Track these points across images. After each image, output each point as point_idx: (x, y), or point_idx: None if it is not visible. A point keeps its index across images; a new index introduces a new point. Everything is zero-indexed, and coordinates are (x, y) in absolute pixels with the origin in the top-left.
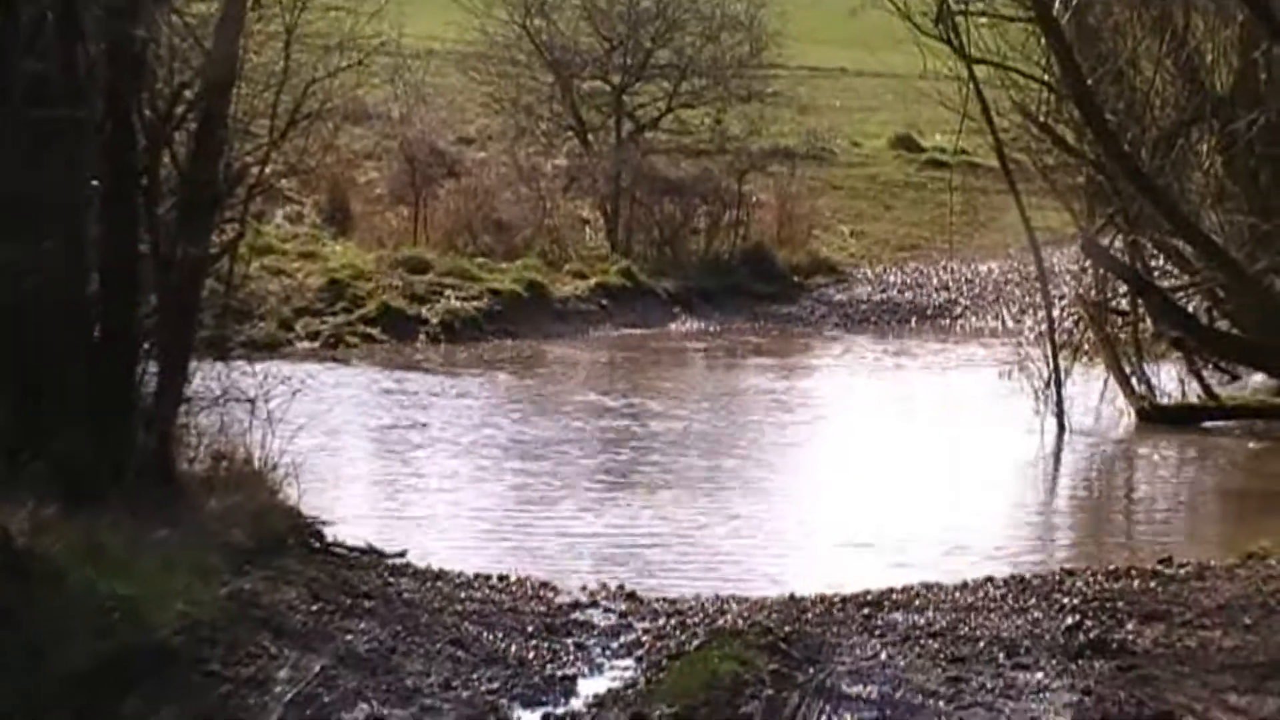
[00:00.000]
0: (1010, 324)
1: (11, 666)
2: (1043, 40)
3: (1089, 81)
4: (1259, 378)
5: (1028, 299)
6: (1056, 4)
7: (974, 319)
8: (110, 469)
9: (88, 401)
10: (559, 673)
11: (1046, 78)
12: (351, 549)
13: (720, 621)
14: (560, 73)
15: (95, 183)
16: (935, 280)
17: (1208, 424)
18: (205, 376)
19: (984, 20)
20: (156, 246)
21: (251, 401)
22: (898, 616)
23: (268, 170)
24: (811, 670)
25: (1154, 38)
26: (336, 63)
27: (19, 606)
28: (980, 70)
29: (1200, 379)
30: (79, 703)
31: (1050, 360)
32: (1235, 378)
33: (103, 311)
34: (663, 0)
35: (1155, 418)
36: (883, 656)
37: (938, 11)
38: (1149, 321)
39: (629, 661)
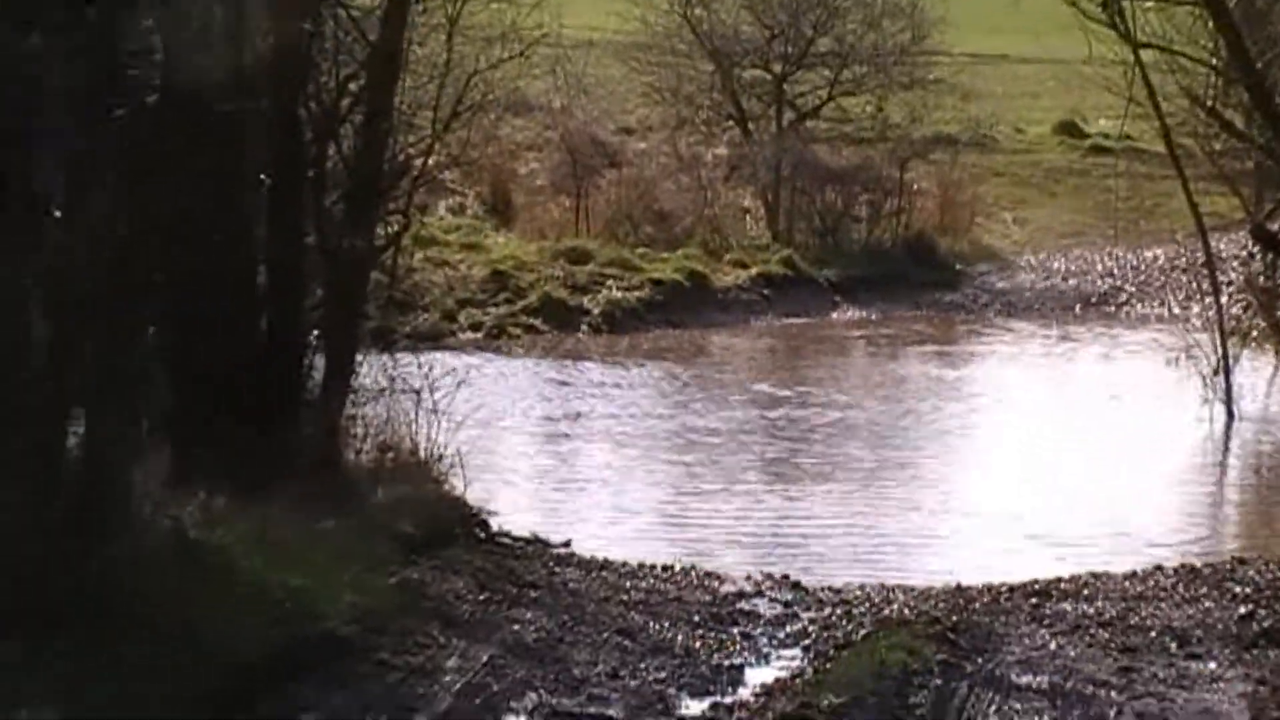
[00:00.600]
0: (1177, 311)
1: (186, 655)
2: (1210, 23)
3: (1258, 64)
4: None
5: (1195, 285)
6: None
7: (1140, 306)
8: (279, 460)
9: (256, 393)
10: (726, 662)
11: (1214, 61)
12: (517, 539)
13: (886, 611)
14: (721, 62)
15: (263, 177)
16: (1100, 267)
17: None
18: (371, 368)
19: (1150, 4)
20: (323, 239)
21: (416, 392)
22: (1066, 606)
23: (431, 162)
24: (980, 660)
25: None
26: (498, 54)
27: (192, 596)
28: (1146, 55)
29: None
30: (252, 691)
31: (1219, 347)
32: None
33: (270, 304)
34: None
35: None
36: (1052, 646)
37: None
38: None
39: (795, 651)
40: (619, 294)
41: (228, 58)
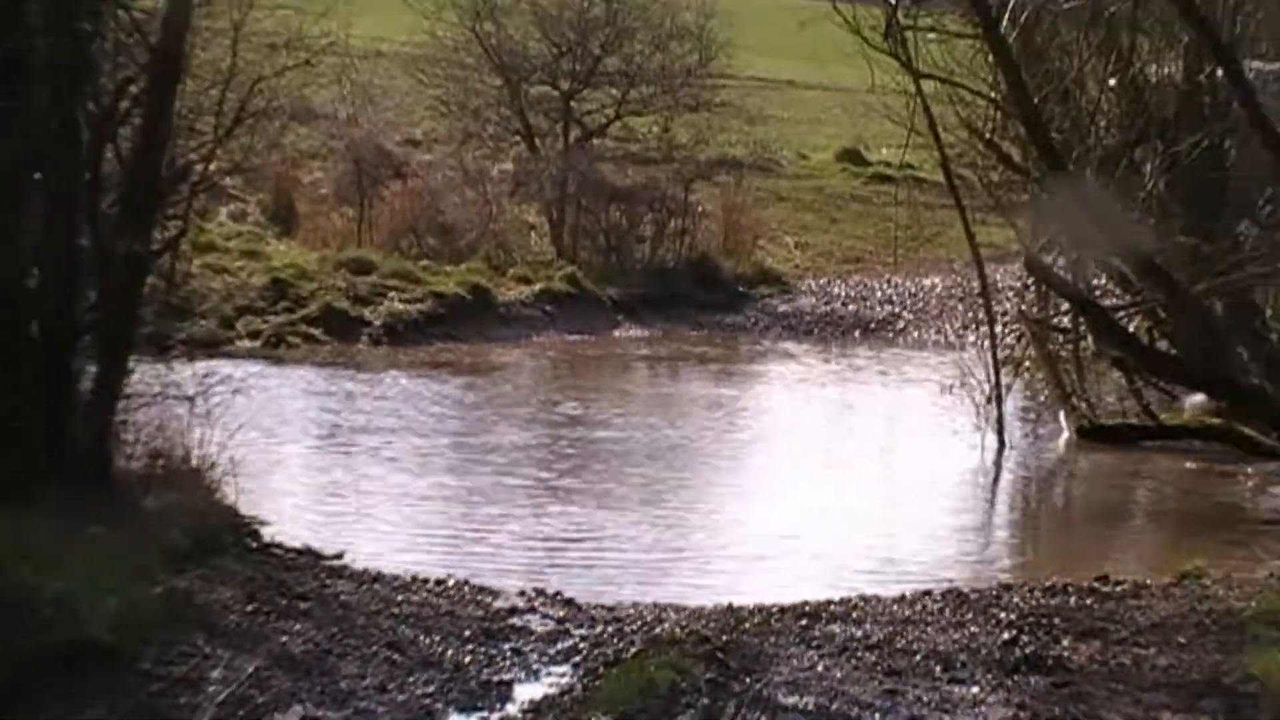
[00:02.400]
0: (953, 339)
1: None
2: (990, 57)
3: (1035, 99)
4: (1198, 398)
5: (971, 314)
6: (1004, 22)
7: (917, 333)
8: (47, 466)
9: (25, 397)
10: (495, 678)
11: (993, 95)
12: (289, 550)
13: (658, 630)
14: (509, 77)
15: (37, 176)
16: (879, 293)
17: (1146, 443)
18: (145, 373)
19: (932, 36)
20: (98, 241)
21: (190, 399)
22: (835, 628)
23: (212, 168)
24: (748, 680)
25: (1100, 58)
26: (283, 61)
27: None
28: (927, 86)
29: (1139, 398)
30: (8, 700)
31: (992, 376)
32: (1174, 397)
33: (41, 306)
34: (613, 7)
35: (1094, 436)
36: (819, 668)
37: (886, 26)
38: (1090, 340)
39: (566, 668)
40: (401, 306)
41: (6, 53)
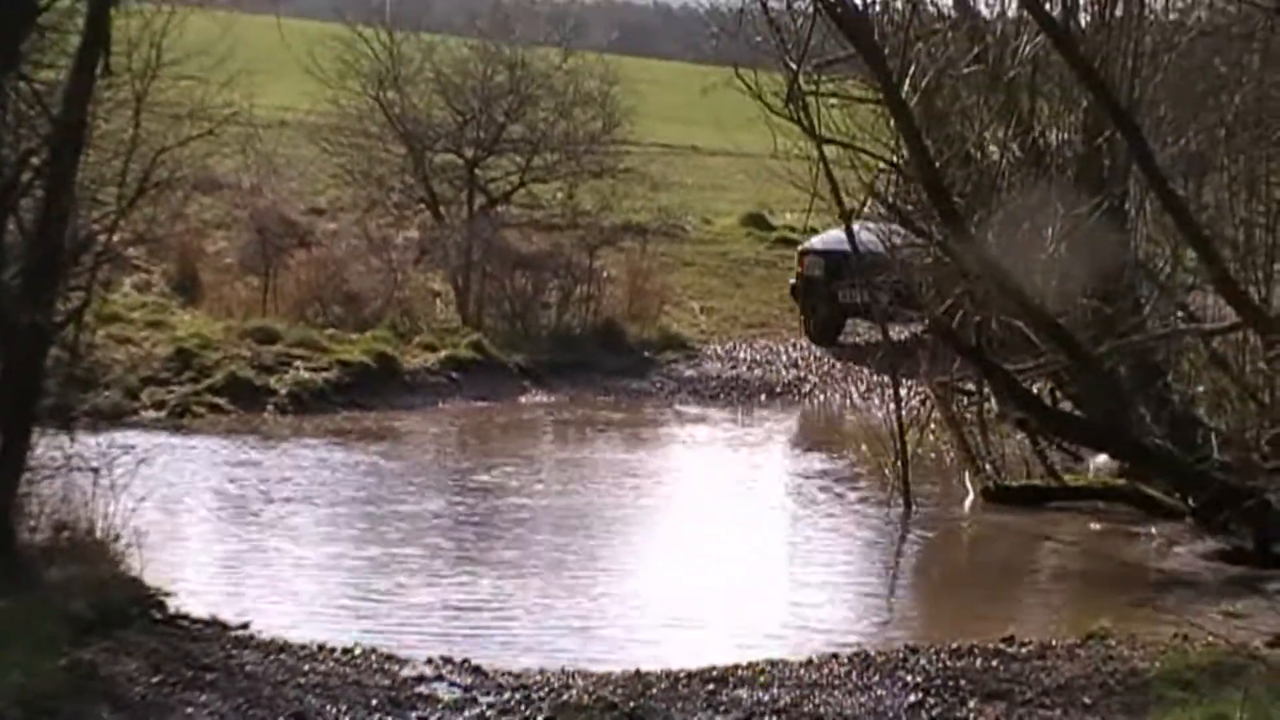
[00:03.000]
0: (859, 402)
1: None
2: (891, 122)
3: (936, 163)
4: (1101, 459)
5: (875, 377)
6: (905, 87)
7: (823, 396)
8: None
9: None
10: None
11: (895, 159)
12: (195, 621)
13: (565, 696)
14: (413, 145)
15: None
16: (785, 357)
17: (1051, 504)
18: (48, 445)
19: (834, 101)
20: (0, 313)
21: (95, 471)
22: (742, 693)
23: (115, 238)
24: None
25: (1001, 122)
26: (187, 132)
27: None
28: (830, 150)
29: (1044, 459)
30: None
31: (896, 438)
32: (1079, 458)
33: None
34: (516, 75)
35: (1000, 497)
36: None
37: (788, 92)
38: (994, 401)
39: None
40: (306, 374)
41: None
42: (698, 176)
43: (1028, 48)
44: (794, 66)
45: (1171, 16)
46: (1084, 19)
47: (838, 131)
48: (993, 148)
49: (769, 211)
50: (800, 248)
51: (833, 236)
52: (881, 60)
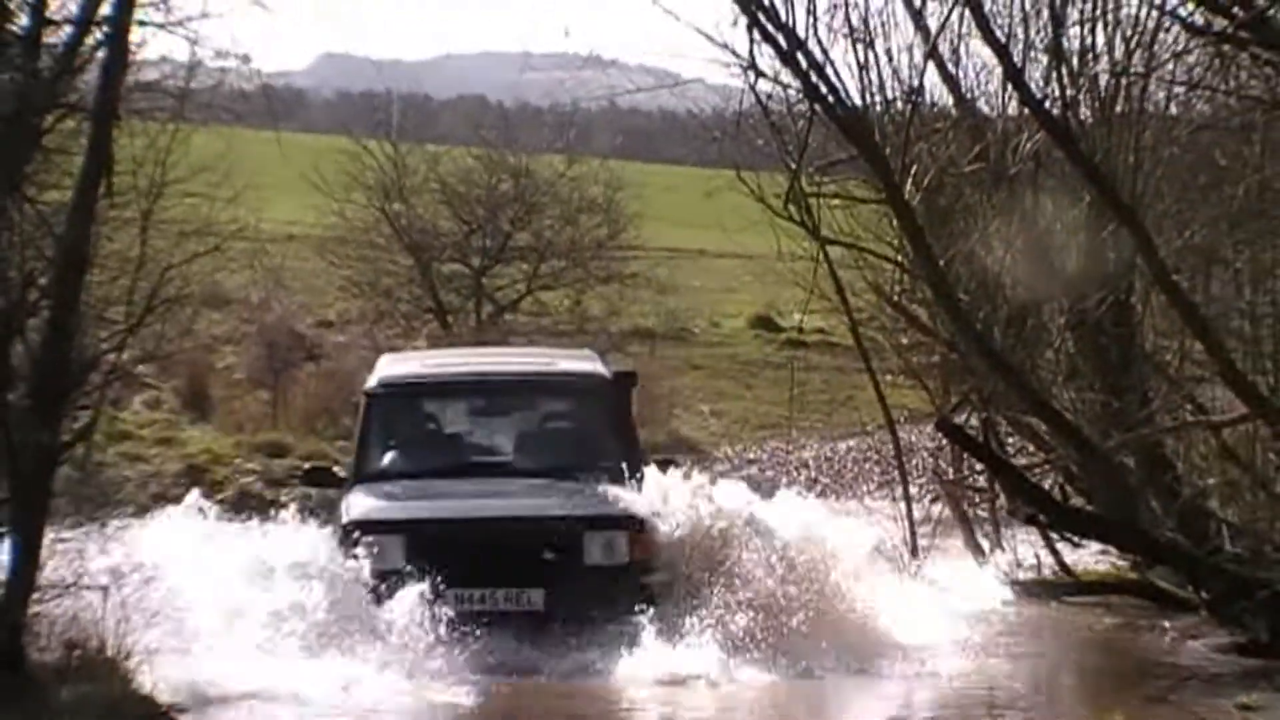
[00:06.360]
0: (870, 503)
1: None
2: (895, 221)
3: (940, 262)
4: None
5: (886, 476)
6: (907, 186)
7: (834, 498)
8: None
9: None
10: None
11: (899, 258)
12: None
13: None
14: (419, 256)
15: None
16: (795, 458)
17: (1065, 598)
18: (59, 564)
19: (837, 201)
20: (8, 433)
21: (104, 589)
22: None
23: (124, 356)
24: None
25: (1004, 218)
26: (193, 248)
27: None
28: (835, 251)
29: (1056, 554)
30: None
31: (909, 538)
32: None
33: None
34: (521, 184)
35: (1013, 593)
36: None
37: (788, 193)
38: (1004, 498)
39: None
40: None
41: None
42: (705, 279)
43: (1029, 144)
44: (794, 168)
45: (1172, 109)
46: (1085, 114)
47: (841, 231)
48: (997, 244)
49: (777, 313)
50: None
51: None
52: (882, 160)
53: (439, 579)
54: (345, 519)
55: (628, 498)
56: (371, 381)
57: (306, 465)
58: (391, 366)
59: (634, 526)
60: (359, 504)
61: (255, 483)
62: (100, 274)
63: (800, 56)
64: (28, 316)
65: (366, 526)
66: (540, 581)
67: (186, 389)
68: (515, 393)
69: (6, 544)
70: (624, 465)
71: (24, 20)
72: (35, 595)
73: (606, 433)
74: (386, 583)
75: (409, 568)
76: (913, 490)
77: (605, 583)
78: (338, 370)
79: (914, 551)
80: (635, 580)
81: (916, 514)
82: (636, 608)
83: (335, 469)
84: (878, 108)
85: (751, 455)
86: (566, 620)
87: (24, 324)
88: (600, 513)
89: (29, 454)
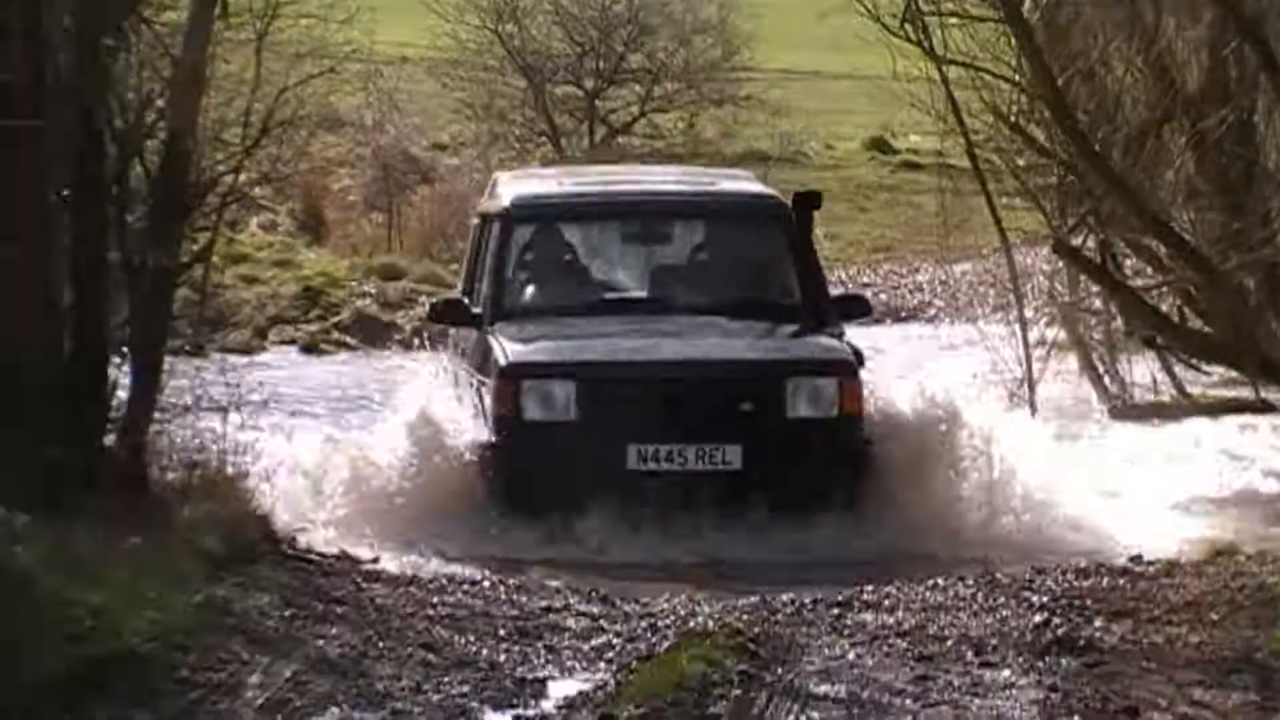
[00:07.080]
0: (984, 324)
1: None
2: (1013, 41)
3: (1059, 81)
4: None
5: (1001, 299)
6: (1026, 4)
7: (948, 320)
8: (83, 478)
9: (61, 411)
10: (530, 675)
11: (1017, 78)
12: (325, 556)
13: (691, 624)
14: (532, 78)
15: (65, 192)
16: (909, 282)
17: (1180, 421)
18: (180, 384)
19: (954, 20)
20: (127, 255)
21: (224, 409)
22: (867, 617)
23: (241, 179)
24: (780, 670)
25: (1124, 36)
26: (308, 70)
27: None
28: (952, 71)
29: (1173, 376)
30: (50, 709)
31: (1023, 360)
32: (1207, 374)
33: (74, 320)
34: (634, 5)
35: (1128, 416)
36: (851, 656)
37: (904, 12)
38: (1121, 320)
39: (600, 664)
40: None
41: (27, 70)
42: (819, 101)
43: None
44: None
45: None
46: None
47: (958, 51)
48: (1117, 63)
49: (892, 135)
50: None
51: None
52: None
53: (617, 433)
54: (503, 361)
55: (829, 340)
56: (503, 201)
57: (434, 299)
58: (519, 185)
59: (845, 372)
60: (513, 345)
61: (370, 305)
62: (216, 96)
63: None
64: (145, 138)
65: (531, 370)
66: (738, 437)
67: (302, 211)
68: (677, 216)
69: (128, 365)
70: (813, 304)
71: None
72: (156, 416)
73: (789, 266)
74: (553, 436)
75: (581, 418)
76: (1028, 313)
77: (812, 439)
78: (452, 193)
79: (1028, 373)
80: (848, 436)
81: (1032, 337)
82: (849, 470)
83: (471, 306)
84: None
85: (866, 279)
86: (766, 484)
87: (142, 146)
88: (805, 355)
89: (148, 276)
